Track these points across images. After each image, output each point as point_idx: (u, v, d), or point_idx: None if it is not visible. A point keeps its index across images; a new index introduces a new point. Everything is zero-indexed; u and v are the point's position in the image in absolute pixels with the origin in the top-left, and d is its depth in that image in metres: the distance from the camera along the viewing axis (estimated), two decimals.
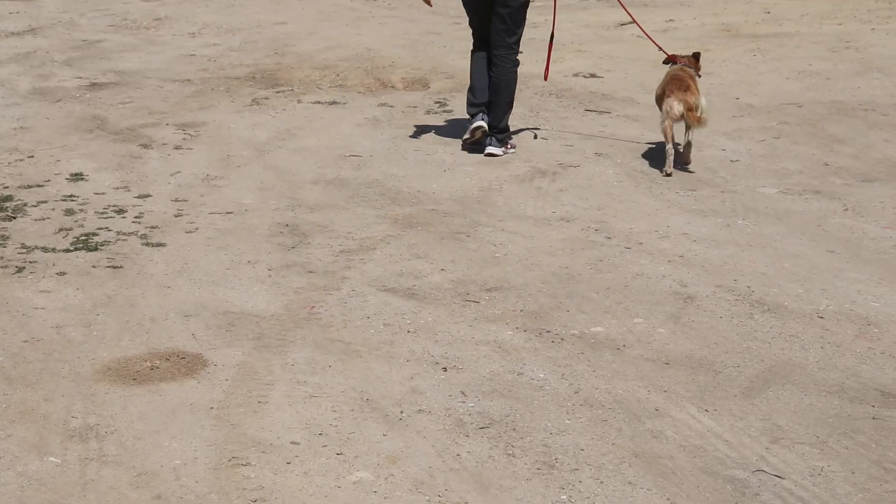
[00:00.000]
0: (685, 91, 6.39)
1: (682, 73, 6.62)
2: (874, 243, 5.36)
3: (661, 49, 7.11)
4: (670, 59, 6.89)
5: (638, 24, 7.72)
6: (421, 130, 7.48)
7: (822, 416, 3.78)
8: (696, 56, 6.90)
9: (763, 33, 10.77)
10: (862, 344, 4.31)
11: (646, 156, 6.84)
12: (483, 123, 6.89)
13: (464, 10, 7.14)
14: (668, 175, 6.39)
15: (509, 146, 6.98)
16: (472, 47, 7.16)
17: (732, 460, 3.52)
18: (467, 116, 7.01)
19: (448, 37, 10.90)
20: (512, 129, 7.13)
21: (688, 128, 6.49)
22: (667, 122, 6.41)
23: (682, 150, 6.54)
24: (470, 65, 7.15)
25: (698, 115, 6.35)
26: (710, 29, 11.08)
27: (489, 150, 6.88)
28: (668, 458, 3.53)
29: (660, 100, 6.60)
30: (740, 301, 4.71)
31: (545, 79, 7.41)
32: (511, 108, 7.04)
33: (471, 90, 7.06)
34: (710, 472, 3.46)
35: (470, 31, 7.18)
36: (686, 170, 6.53)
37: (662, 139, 6.52)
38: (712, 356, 4.23)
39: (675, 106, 6.35)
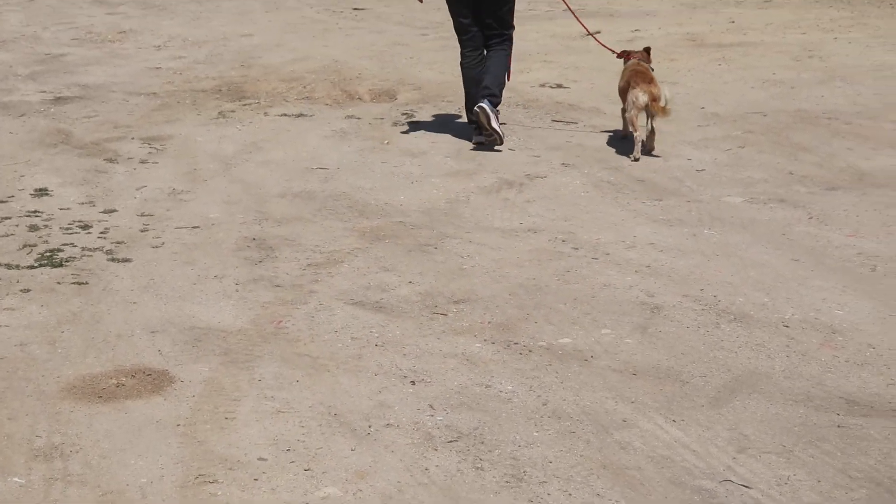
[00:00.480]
0: (649, 83, 6.88)
1: (642, 67, 7.11)
2: (838, 251, 5.41)
3: (609, 49, 7.71)
4: (623, 56, 7.41)
5: (580, 22, 8.32)
6: (388, 142, 7.47)
7: (788, 425, 3.81)
8: (648, 51, 7.40)
9: (728, 43, 10.86)
10: (827, 352, 4.35)
11: (612, 165, 6.87)
12: (484, 104, 7.06)
13: (450, 14, 7.38)
14: (636, 160, 6.87)
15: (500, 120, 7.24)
16: (461, 57, 7.39)
17: (700, 470, 3.54)
18: (434, 128, 7.03)
19: (415, 48, 10.91)
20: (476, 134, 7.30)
21: (650, 117, 6.99)
22: (633, 112, 6.89)
23: (645, 140, 7.01)
24: (463, 78, 7.39)
25: (662, 105, 6.82)
26: (676, 38, 11.15)
27: (482, 104, 7.04)
28: (636, 470, 3.54)
29: (624, 92, 7.03)
30: (707, 311, 4.74)
31: (507, 79, 7.51)
32: (503, 86, 7.29)
33: (468, 101, 7.35)
34: (677, 482, 3.47)
35: (454, 38, 7.49)
36: (652, 155, 7.00)
37: (629, 130, 7.07)
38: (679, 366, 4.25)
39: (640, 96, 6.83)
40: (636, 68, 7.06)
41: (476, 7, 7.23)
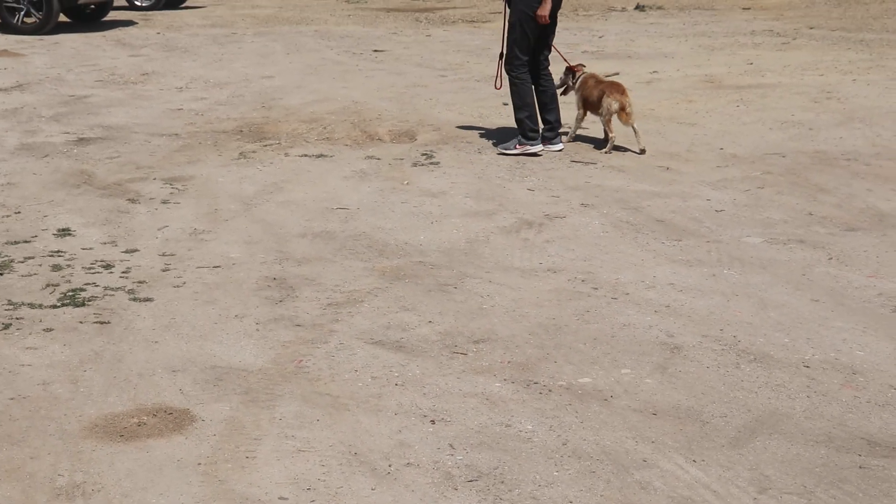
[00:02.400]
0: (622, 94, 8.15)
1: (609, 80, 8.42)
2: (858, 292, 5.40)
3: (565, 60, 8.83)
4: (573, 69, 8.62)
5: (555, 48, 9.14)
6: (408, 182, 7.52)
7: (810, 466, 3.79)
8: (582, 66, 8.77)
9: (746, 84, 10.89)
10: (848, 393, 4.33)
11: (632, 206, 6.89)
12: (561, 146, 8.36)
13: (520, 34, 8.10)
14: (608, 153, 8.18)
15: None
16: (522, 75, 8.20)
17: None
18: (455, 165, 7.10)
19: (434, 89, 10.99)
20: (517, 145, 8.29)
21: (631, 125, 8.18)
22: (607, 116, 8.18)
23: (615, 140, 8.29)
24: (530, 96, 8.23)
25: (628, 112, 8.10)
26: (694, 80, 11.20)
27: (558, 146, 8.31)
28: None
29: (598, 100, 8.20)
30: (727, 351, 4.73)
31: (497, 87, 8.48)
32: None
33: (532, 118, 8.22)
34: None
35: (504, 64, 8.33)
36: (644, 151, 8.19)
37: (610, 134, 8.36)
38: (699, 406, 4.24)
39: (613, 104, 8.14)
40: (610, 81, 8.34)
41: (545, 31, 8.15)
